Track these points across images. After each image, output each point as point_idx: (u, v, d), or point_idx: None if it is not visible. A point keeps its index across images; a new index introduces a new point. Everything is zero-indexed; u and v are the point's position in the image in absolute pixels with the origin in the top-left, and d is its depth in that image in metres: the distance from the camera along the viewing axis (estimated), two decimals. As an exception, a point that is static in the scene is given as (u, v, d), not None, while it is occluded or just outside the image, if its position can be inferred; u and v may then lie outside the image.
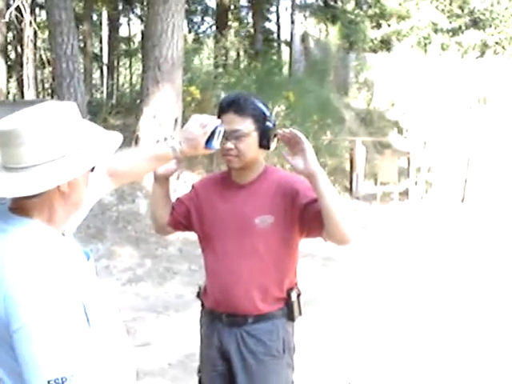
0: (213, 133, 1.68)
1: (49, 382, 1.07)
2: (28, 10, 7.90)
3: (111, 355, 1.28)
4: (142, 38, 15.24)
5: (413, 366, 3.74)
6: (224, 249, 1.94)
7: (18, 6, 7.64)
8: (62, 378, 1.08)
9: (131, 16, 18.19)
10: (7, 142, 1.15)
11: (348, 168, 10.70)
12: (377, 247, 7.15)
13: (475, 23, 16.76)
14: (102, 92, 14.85)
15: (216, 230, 1.96)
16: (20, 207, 1.20)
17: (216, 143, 1.70)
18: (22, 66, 11.14)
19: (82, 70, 10.29)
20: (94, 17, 16.64)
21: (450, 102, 14.55)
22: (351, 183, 10.40)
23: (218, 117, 1.85)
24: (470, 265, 6.32)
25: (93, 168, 1.27)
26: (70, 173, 1.17)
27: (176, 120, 6.82)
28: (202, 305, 2.07)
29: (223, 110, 1.87)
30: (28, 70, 10.13)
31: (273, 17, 18.07)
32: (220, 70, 10.89)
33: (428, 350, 4.00)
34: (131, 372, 1.36)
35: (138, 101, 7.50)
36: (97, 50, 17.44)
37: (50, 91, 15.11)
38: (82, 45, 13.04)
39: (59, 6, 6.83)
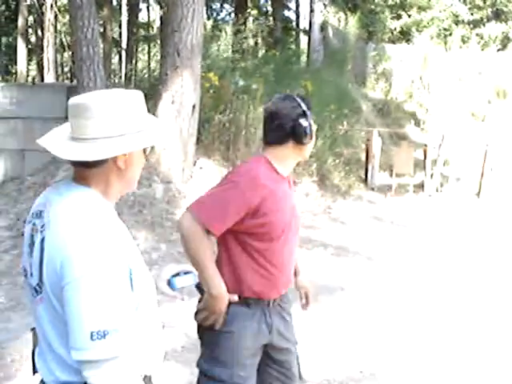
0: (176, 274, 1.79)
1: (91, 333, 1.16)
2: (49, -6, 7.96)
3: (148, 322, 1.37)
4: (161, 24, 15.25)
5: (425, 355, 3.78)
6: (285, 241, 2.05)
7: (40, -11, 7.70)
8: (104, 331, 1.17)
9: (150, 1, 18.20)
10: (77, 114, 1.30)
11: (364, 158, 10.67)
12: (390, 239, 7.16)
13: (497, 15, 16.51)
14: (121, 77, 14.90)
15: (281, 225, 2.02)
16: (80, 176, 1.34)
17: (178, 282, 1.78)
18: (42, 49, 11.24)
19: (102, 55, 10.36)
20: (114, 2, 16.67)
21: (468, 96, 14.40)
22: (366, 174, 10.37)
23: (303, 115, 1.99)
24: (483, 259, 6.32)
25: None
26: (127, 147, 1.31)
27: (194, 106, 6.84)
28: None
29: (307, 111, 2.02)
30: (48, 54, 10.22)
31: (292, 5, 17.97)
32: (238, 57, 10.87)
33: (442, 341, 4.03)
34: (162, 344, 1.46)
35: (157, 86, 7.53)
36: (116, 35, 17.48)
37: (69, 75, 15.23)
38: (101, 30, 13.09)
39: (81, -11, 6.83)
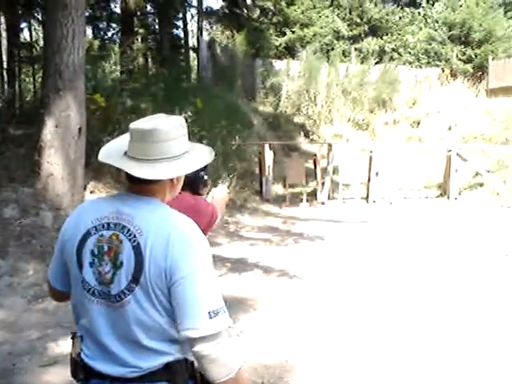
0: None
1: (209, 313, 1.43)
2: None
3: None
4: (44, 44, 14.63)
5: (331, 363, 3.90)
6: None
7: None
8: (217, 310, 1.45)
9: (32, 21, 17.41)
10: (146, 138, 1.47)
11: (257, 171, 10.93)
12: (287, 248, 7.37)
13: (373, 31, 17.73)
14: (4, 100, 14.10)
15: None
16: (144, 190, 1.52)
17: None
18: None
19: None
20: (-9, 22, 15.75)
21: (352, 106, 15.27)
22: (261, 186, 10.62)
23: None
24: (379, 258, 6.68)
25: None
26: (193, 165, 1.55)
27: (80, 129, 6.64)
28: None
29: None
30: None
31: (180, 23, 18.03)
32: (126, 77, 10.74)
33: (347, 349, 4.19)
34: None
35: (41, 110, 7.23)
36: (-5, 57, 16.51)
37: None
38: (-23, 52, 12.35)
39: None
